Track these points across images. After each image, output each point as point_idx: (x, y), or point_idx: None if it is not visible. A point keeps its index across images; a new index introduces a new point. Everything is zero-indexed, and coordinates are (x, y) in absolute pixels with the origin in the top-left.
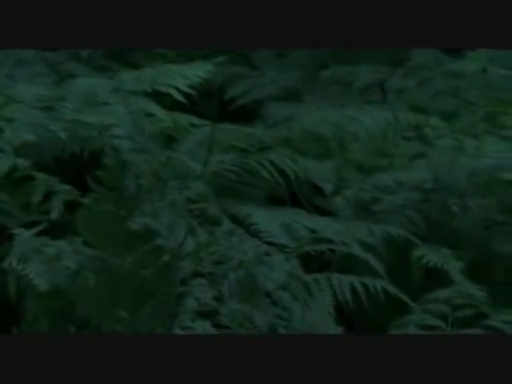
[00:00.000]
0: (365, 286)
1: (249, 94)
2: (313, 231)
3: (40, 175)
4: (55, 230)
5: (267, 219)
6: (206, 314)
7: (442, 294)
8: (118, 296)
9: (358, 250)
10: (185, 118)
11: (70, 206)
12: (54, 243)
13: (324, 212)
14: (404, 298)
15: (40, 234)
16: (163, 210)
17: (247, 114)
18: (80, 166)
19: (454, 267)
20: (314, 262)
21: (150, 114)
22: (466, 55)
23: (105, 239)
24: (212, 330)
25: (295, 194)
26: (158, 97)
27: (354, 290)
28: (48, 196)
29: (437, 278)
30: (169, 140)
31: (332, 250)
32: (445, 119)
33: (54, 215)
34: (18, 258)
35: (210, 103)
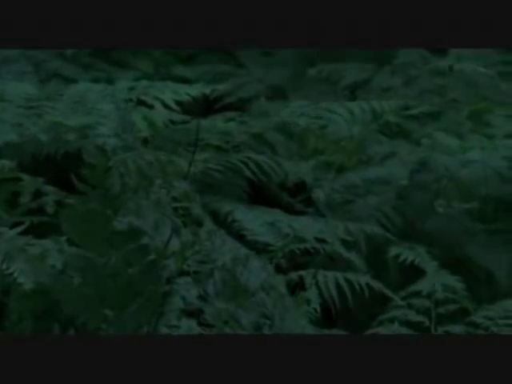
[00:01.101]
0: (349, 282)
1: (235, 92)
2: (295, 230)
3: (26, 176)
4: (39, 229)
5: (250, 218)
6: (192, 313)
7: (424, 287)
8: (103, 295)
9: (340, 248)
10: (164, 115)
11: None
12: (39, 242)
13: (302, 211)
14: (389, 293)
15: (24, 232)
16: (148, 209)
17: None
18: (63, 166)
19: (429, 265)
20: (298, 260)
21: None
22: (452, 54)
23: (90, 238)
24: (197, 329)
25: (275, 193)
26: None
27: (338, 287)
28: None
29: (416, 273)
30: (146, 142)
31: (315, 249)
32: (430, 117)
33: (50, 211)
34: (2, 258)
35: (195, 101)
